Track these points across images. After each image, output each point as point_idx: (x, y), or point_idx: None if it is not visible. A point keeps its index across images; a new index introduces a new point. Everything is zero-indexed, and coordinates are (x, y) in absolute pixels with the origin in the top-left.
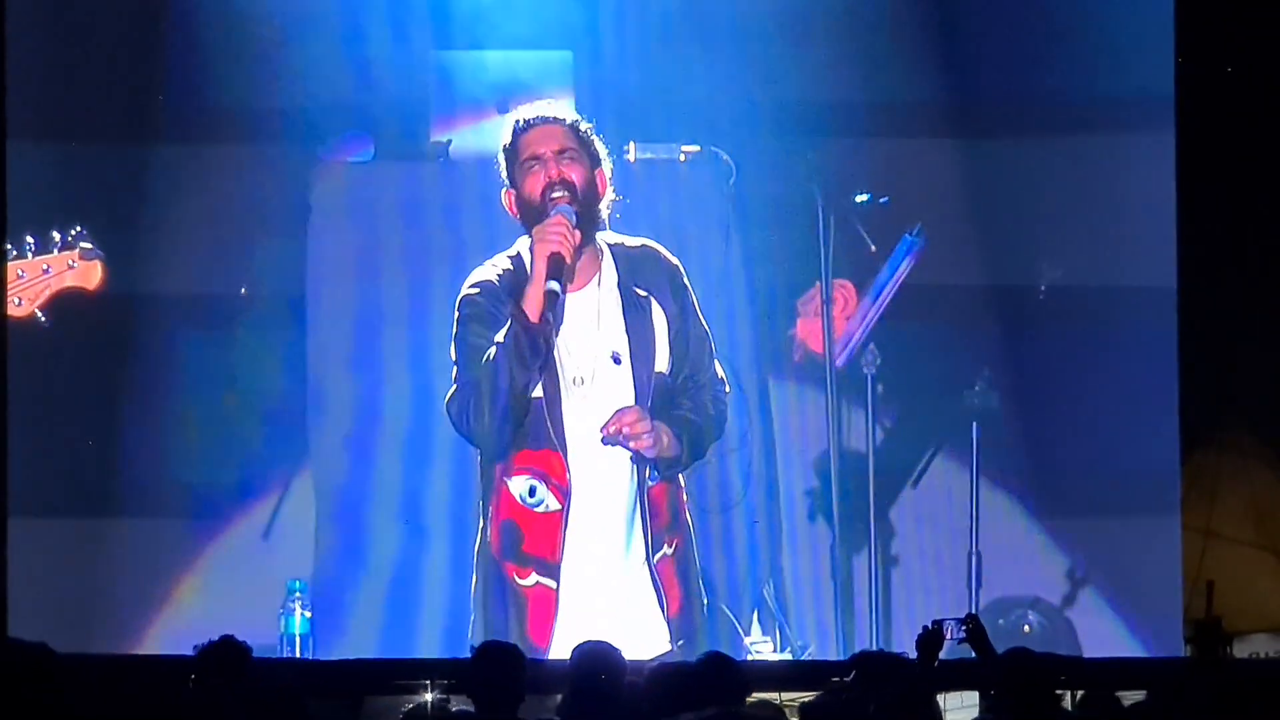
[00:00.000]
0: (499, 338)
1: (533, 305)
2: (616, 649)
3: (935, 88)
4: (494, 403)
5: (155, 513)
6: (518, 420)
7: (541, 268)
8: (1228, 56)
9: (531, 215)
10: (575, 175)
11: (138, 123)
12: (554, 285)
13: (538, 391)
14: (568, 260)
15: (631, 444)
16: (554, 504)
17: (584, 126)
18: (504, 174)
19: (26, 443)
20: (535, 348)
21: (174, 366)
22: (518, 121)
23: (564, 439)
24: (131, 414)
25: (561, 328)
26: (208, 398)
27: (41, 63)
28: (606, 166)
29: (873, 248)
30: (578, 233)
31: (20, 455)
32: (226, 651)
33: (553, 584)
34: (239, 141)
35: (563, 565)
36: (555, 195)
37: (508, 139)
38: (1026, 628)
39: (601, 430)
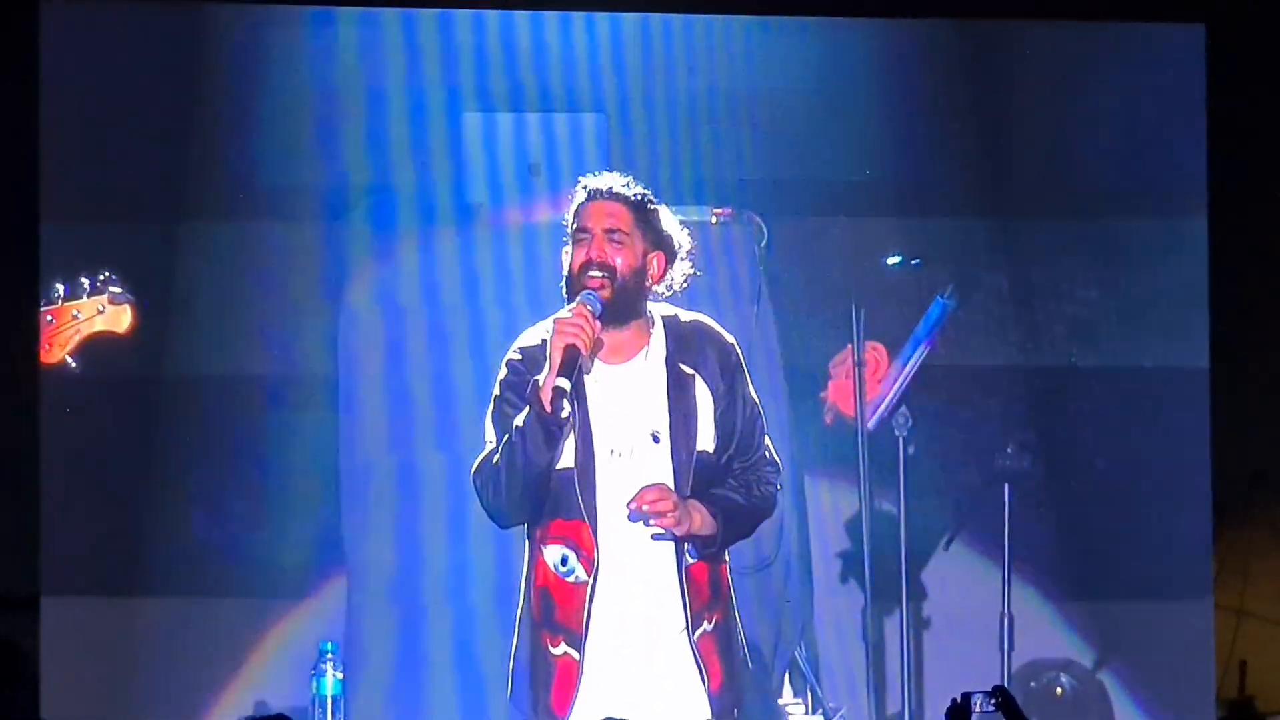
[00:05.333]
0: (518, 422)
1: (548, 395)
2: None
3: (967, 165)
4: (510, 486)
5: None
6: (536, 500)
7: (556, 360)
8: (1259, 140)
9: (570, 286)
10: (620, 258)
11: (171, 202)
12: (563, 382)
13: (569, 461)
14: (584, 352)
15: (654, 522)
16: (583, 575)
17: (651, 205)
18: (568, 234)
19: (59, 516)
20: (550, 436)
21: (206, 444)
22: (586, 189)
23: (594, 511)
24: (162, 490)
25: (602, 400)
26: (241, 471)
27: (76, 143)
28: (680, 241)
29: (904, 310)
30: (598, 323)
31: (52, 529)
32: None
33: (576, 655)
34: (272, 219)
35: (588, 638)
36: (591, 275)
37: (578, 201)
38: (1059, 690)
39: (627, 506)
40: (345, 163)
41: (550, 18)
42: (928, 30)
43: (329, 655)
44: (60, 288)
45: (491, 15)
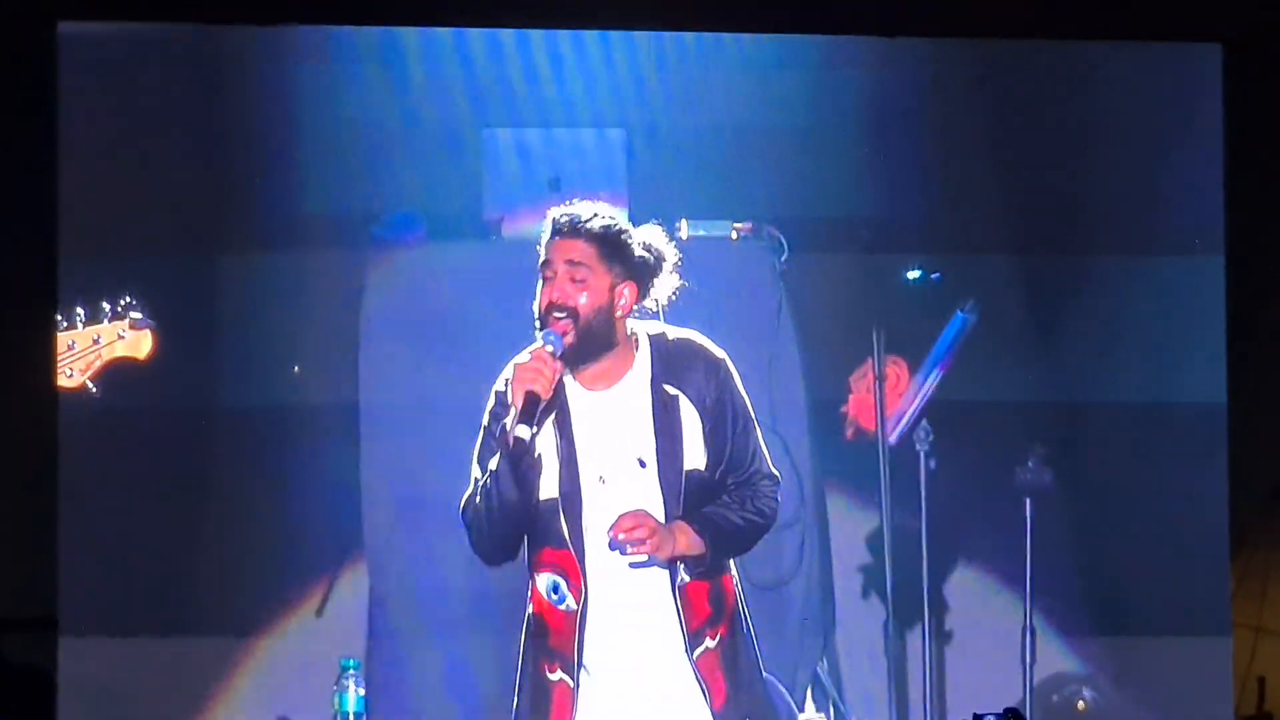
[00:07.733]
0: (492, 465)
1: (511, 440)
2: None
3: (981, 194)
4: (491, 526)
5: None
6: (516, 540)
7: (517, 405)
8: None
9: (541, 323)
10: (584, 296)
11: (191, 229)
12: (522, 430)
13: (553, 492)
14: (544, 397)
15: (630, 549)
16: (573, 603)
17: (624, 234)
18: (539, 268)
19: (76, 539)
20: (521, 479)
21: (227, 470)
22: (553, 223)
23: (581, 539)
24: (182, 514)
25: (587, 426)
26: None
27: (96, 169)
28: (662, 257)
29: (925, 324)
30: (559, 363)
31: (70, 552)
32: None
33: (571, 682)
34: (295, 245)
35: (581, 664)
36: (555, 316)
37: (545, 237)
38: (1081, 703)
39: (607, 534)
40: (366, 184)
41: (571, 33)
42: (938, 53)
43: (351, 672)
44: (81, 312)
45: (512, 32)
